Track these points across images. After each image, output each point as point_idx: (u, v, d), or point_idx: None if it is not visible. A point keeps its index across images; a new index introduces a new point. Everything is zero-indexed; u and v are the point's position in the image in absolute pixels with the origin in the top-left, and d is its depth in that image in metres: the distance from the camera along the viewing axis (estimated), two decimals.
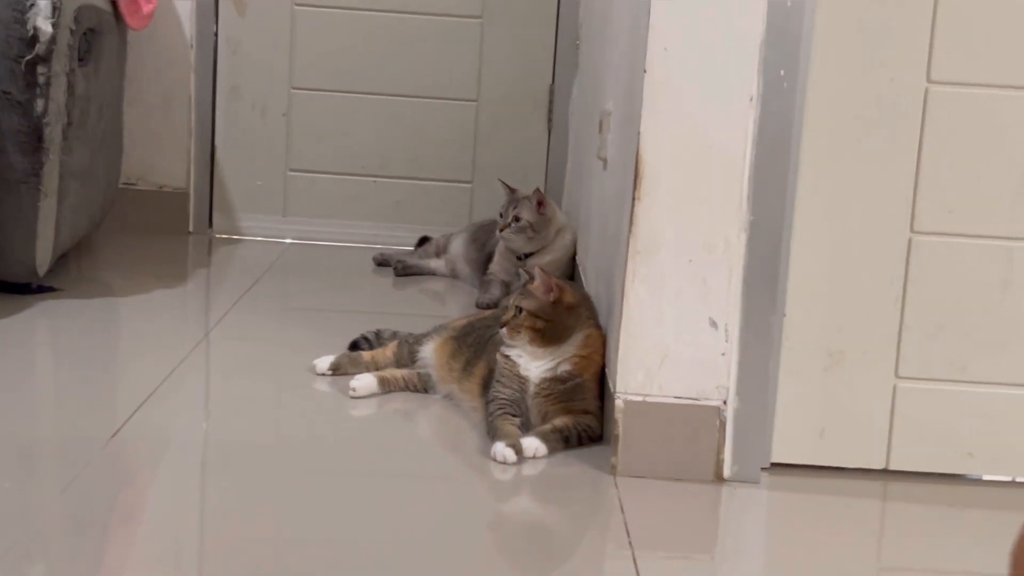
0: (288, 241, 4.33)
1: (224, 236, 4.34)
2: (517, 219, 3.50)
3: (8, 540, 1.81)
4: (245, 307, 3.34)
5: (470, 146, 4.36)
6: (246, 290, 3.52)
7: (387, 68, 4.31)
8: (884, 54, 2.17)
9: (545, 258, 3.53)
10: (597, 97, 3.17)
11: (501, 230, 3.51)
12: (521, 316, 2.38)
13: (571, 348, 2.37)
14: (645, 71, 2.14)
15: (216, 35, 4.25)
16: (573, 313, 2.39)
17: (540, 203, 3.51)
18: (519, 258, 3.55)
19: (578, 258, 3.49)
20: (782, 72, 2.13)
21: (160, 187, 4.27)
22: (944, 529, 2.14)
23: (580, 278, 3.25)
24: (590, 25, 3.76)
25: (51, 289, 3.28)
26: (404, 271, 3.91)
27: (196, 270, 3.99)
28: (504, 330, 2.39)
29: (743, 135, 2.14)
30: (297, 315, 3.47)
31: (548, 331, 2.37)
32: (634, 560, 1.88)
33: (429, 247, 4.02)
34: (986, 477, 2.31)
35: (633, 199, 2.16)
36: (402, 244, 4.19)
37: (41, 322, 3.08)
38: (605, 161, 2.72)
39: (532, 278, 2.43)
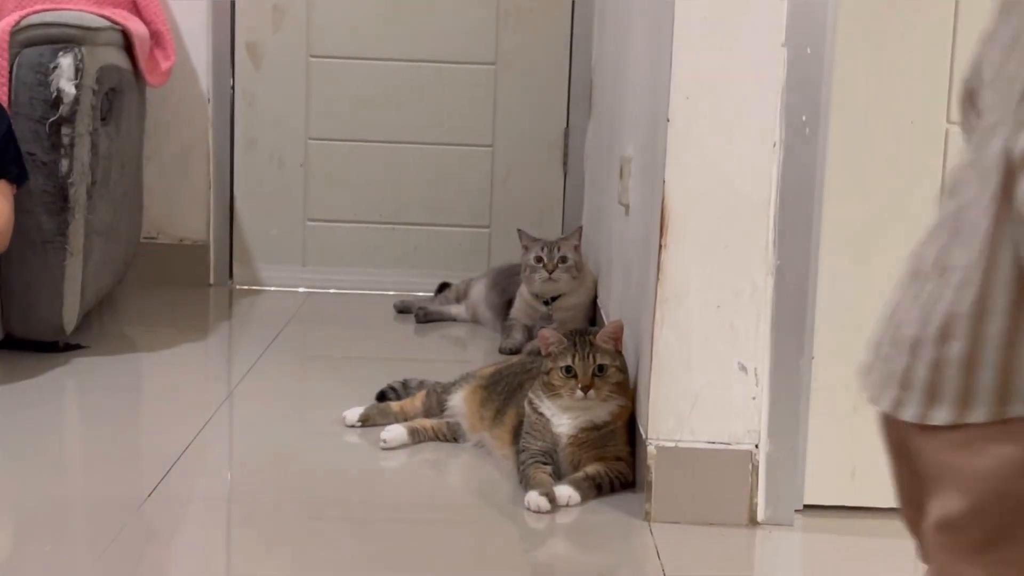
0: (308, 290, 4.35)
1: (244, 287, 4.37)
2: (564, 259, 3.50)
3: None
4: (269, 359, 3.36)
5: (487, 191, 4.39)
6: (269, 342, 3.54)
7: (402, 116, 4.35)
8: (904, 97, 2.20)
9: (571, 301, 3.54)
10: (614, 141, 3.19)
11: (551, 272, 3.49)
12: (607, 373, 2.35)
13: (620, 398, 2.38)
14: (668, 120, 2.16)
15: (233, 89, 4.30)
16: (622, 359, 2.41)
17: (578, 243, 3.52)
18: (546, 303, 3.55)
19: (599, 301, 3.51)
20: (804, 117, 2.15)
21: (180, 240, 4.31)
22: None
23: (603, 321, 3.27)
24: (603, 69, 3.80)
25: (78, 347, 3.31)
26: (425, 318, 3.92)
27: (218, 322, 4.02)
28: (591, 392, 2.32)
29: (767, 180, 2.17)
30: (321, 365, 3.49)
31: (624, 383, 2.38)
32: None
33: (449, 293, 4.04)
34: None
35: (660, 246, 2.19)
36: (422, 290, 4.21)
37: (69, 381, 3.10)
38: (627, 207, 2.74)
39: (586, 330, 2.41)
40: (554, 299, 3.53)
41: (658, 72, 2.29)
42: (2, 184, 3.00)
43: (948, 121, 2.21)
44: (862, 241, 2.23)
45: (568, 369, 2.35)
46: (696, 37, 2.14)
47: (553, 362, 2.37)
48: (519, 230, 3.63)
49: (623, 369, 2.38)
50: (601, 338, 2.38)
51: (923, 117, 2.20)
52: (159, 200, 4.23)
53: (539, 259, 3.50)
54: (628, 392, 2.40)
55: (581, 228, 3.59)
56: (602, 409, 2.36)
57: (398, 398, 2.83)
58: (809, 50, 2.14)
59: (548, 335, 2.41)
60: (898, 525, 2.33)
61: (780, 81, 2.15)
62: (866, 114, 2.20)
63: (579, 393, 2.33)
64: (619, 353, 2.39)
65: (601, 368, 2.35)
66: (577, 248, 3.52)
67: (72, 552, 2.07)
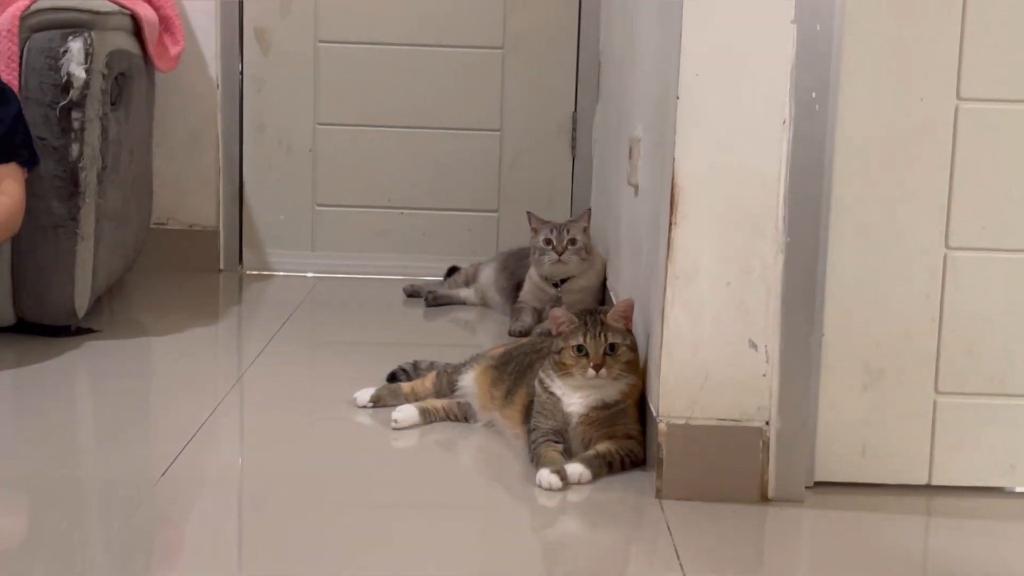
0: (317, 275, 4.36)
1: (254, 272, 4.38)
2: (573, 241, 3.50)
3: None
4: (279, 343, 3.37)
5: (495, 175, 4.40)
6: (279, 326, 3.55)
7: (410, 101, 4.35)
8: (913, 74, 2.20)
9: (579, 283, 3.55)
10: (622, 123, 3.20)
11: (560, 254, 3.49)
12: (618, 352, 2.35)
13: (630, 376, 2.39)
14: (678, 98, 2.17)
15: (241, 74, 4.31)
16: (633, 337, 2.41)
17: (587, 225, 3.53)
18: (555, 285, 3.56)
19: (609, 283, 3.51)
20: (813, 95, 2.15)
21: (190, 226, 4.32)
22: (990, 543, 2.15)
23: (612, 302, 3.27)
24: (610, 52, 3.80)
25: (90, 331, 3.33)
26: (435, 301, 3.93)
27: (228, 307, 4.03)
28: (603, 371, 2.33)
29: (777, 158, 2.17)
30: (331, 349, 3.50)
31: (634, 361, 2.38)
32: None
33: (458, 277, 4.04)
34: None
35: (670, 224, 2.19)
36: (431, 275, 4.22)
37: (81, 364, 3.11)
38: (636, 187, 2.74)
39: (597, 310, 2.41)
40: (563, 281, 3.54)
41: (667, 50, 2.29)
42: (13, 168, 3.01)
43: (958, 97, 2.21)
44: (872, 218, 2.23)
45: (580, 348, 2.35)
46: (705, 14, 2.14)
47: (564, 341, 2.38)
48: (528, 212, 3.63)
49: (633, 347, 2.39)
50: (612, 317, 2.38)
51: (933, 94, 2.21)
52: (169, 186, 4.24)
53: (548, 241, 3.51)
54: (638, 370, 2.41)
55: (590, 210, 3.60)
56: (613, 388, 2.37)
57: (409, 379, 2.84)
58: (818, 27, 2.14)
59: (559, 314, 2.41)
60: (908, 502, 2.35)
61: (789, 58, 2.15)
62: (876, 91, 2.20)
63: (591, 372, 2.33)
64: (629, 332, 2.40)
65: (612, 347, 2.35)
66: (586, 230, 3.52)
67: (87, 530, 2.09)
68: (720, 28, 2.14)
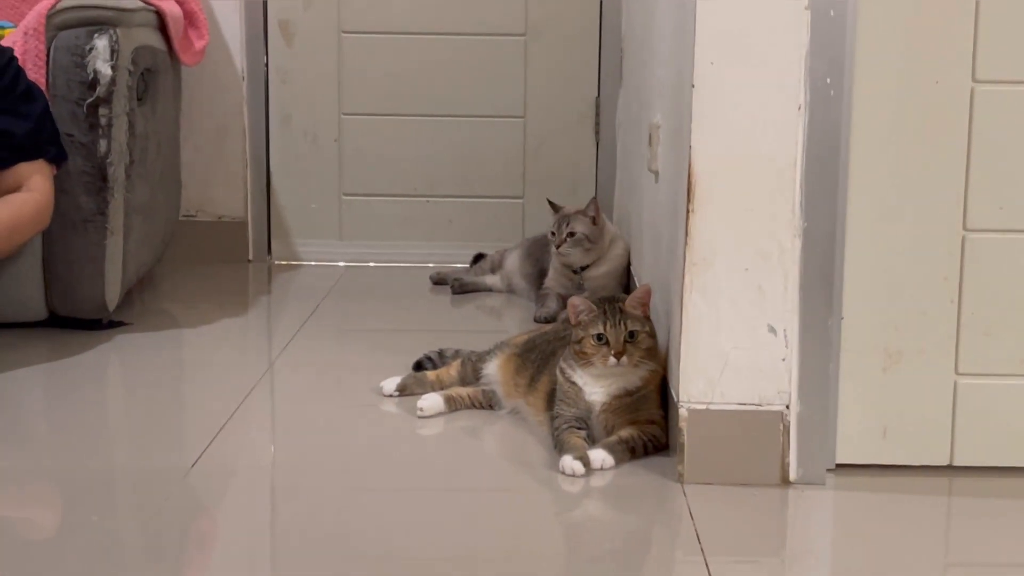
0: (346, 264, 4.40)
1: (283, 262, 4.43)
2: (572, 234, 3.54)
3: (105, 571, 1.88)
4: (308, 332, 3.41)
5: (519, 162, 4.42)
6: (308, 315, 3.59)
7: (434, 89, 4.38)
8: (928, 57, 2.21)
9: (601, 269, 3.57)
10: (643, 109, 3.21)
11: (558, 247, 3.55)
12: (638, 339, 2.36)
13: (650, 362, 2.40)
14: (693, 85, 2.18)
15: (267, 66, 4.34)
16: (651, 323, 2.43)
17: (595, 214, 3.55)
18: (575, 272, 3.59)
19: (632, 268, 3.53)
20: (828, 80, 2.17)
21: (219, 218, 4.36)
22: (1012, 522, 2.16)
23: (636, 287, 3.29)
24: (632, 37, 3.81)
25: (121, 324, 3.37)
26: (461, 288, 3.97)
27: (258, 297, 4.07)
28: (624, 359, 2.34)
29: (793, 143, 2.18)
30: (359, 337, 3.53)
31: (654, 347, 2.40)
32: (706, 565, 1.92)
33: (484, 264, 4.07)
34: None
35: (687, 211, 2.21)
36: (457, 262, 4.25)
37: (113, 356, 3.16)
38: (656, 174, 2.76)
39: (615, 298, 2.43)
40: (584, 268, 3.57)
41: (683, 38, 2.31)
42: (41, 164, 3.06)
43: (973, 80, 2.22)
44: (888, 201, 2.24)
45: (600, 337, 2.37)
46: (720, 2, 2.16)
47: (584, 331, 2.40)
48: (548, 200, 3.66)
49: (652, 334, 2.41)
50: (630, 304, 2.40)
51: (948, 77, 2.21)
52: (197, 178, 4.29)
53: (552, 233, 3.58)
54: (659, 356, 2.43)
55: (595, 199, 3.61)
56: (634, 375, 2.39)
57: (434, 368, 2.87)
58: (832, 12, 2.15)
59: (578, 303, 2.43)
60: (930, 482, 2.37)
61: (804, 44, 2.16)
62: (890, 75, 2.21)
63: (612, 360, 2.35)
64: (647, 318, 2.41)
65: (632, 334, 2.37)
66: (594, 220, 3.54)
67: (119, 521, 2.13)
68: (734, 15, 2.16)
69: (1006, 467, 2.32)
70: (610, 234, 3.63)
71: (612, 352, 2.35)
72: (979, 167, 2.23)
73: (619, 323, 2.37)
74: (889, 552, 2.02)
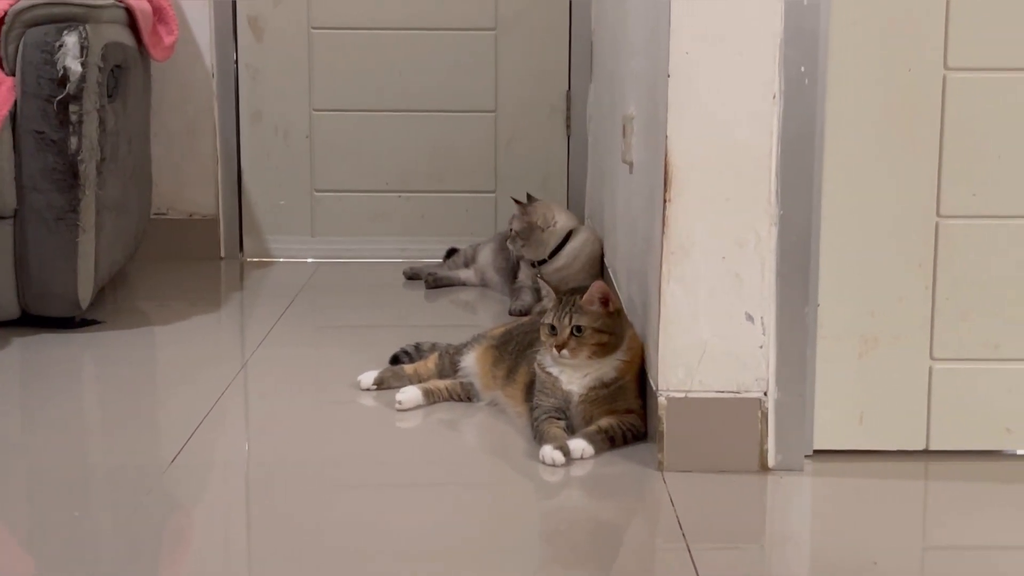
0: (318, 260, 4.39)
1: (255, 259, 4.41)
2: (511, 231, 3.63)
3: (86, 568, 1.87)
4: (282, 328, 3.40)
5: (491, 156, 4.42)
6: (282, 311, 3.58)
7: (405, 85, 4.37)
8: (901, 45, 2.22)
9: (558, 263, 3.60)
10: (616, 101, 3.22)
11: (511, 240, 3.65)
12: (585, 335, 2.37)
13: (619, 353, 2.41)
14: (669, 75, 2.19)
15: (236, 62, 4.33)
16: (622, 318, 2.44)
17: (522, 211, 3.63)
18: (532, 265, 3.63)
19: (606, 260, 3.54)
20: (802, 68, 2.18)
21: (190, 215, 4.35)
22: (987, 505, 2.18)
23: (611, 280, 3.31)
24: (602, 31, 3.82)
25: (94, 322, 3.36)
26: (435, 283, 3.97)
27: (230, 294, 4.06)
28: (565, 351, 2.36)
29: (768, 132, 2.20)
30: (334, 332, 3.53)
31: (610, 343, 2.41)
32: (688, 551, 1.93)
33: (458, 258, 4.07)
34: (1022, 452, 2.35)
35: (664, 201, 2.22)
36: (430, 257, 4.25)
37: (87, 355, 3.15)
38: (631, 165, 2.77)
39: (579, 289, 2.44)
40: (542, 262, 3.60)
41: (657, 28, 2.32)
42: None
43: (946, 68, 2.23)
44: (863, 189, 2.26)
45: (552, 328, 2.40)
46: None
47: (543, 318, 2.43)
48: (513, 198, 3.69)
49: (607, 329, 2.39)
50: (586, 300, 2.40)
51: (921, 64, 2.23)
52: (168, 175, 4.27)
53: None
54: (635, 347, 2.44)
55: (528, 195, 3.71)
56: (607, 366, 2.40)
57: (411, 361, 2.87)
58: (806, 1, 2.17)
59: (545, 288, 2.50)
60: (906, 467, 2.39)
61: (778, 33, 2.17)
62: (864, 63, 2.23)
63: (555, 351, 2.37)
64: (609, 314, 2.40)
65: (579, 328, 2.37)
66: (526, 219, 3.59)
67: (98, 518, 2.12)
68: (709, 5, 2.17)
69: (981, 451, 2.35)
70: (559, 227, 3.63)
71: (555, 343, 2.37)
72: (952, 154, 2.25)
73: (566, 316, 2.38)
74: (867, 536, 2.04)
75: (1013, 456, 2.35)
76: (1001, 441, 2.34)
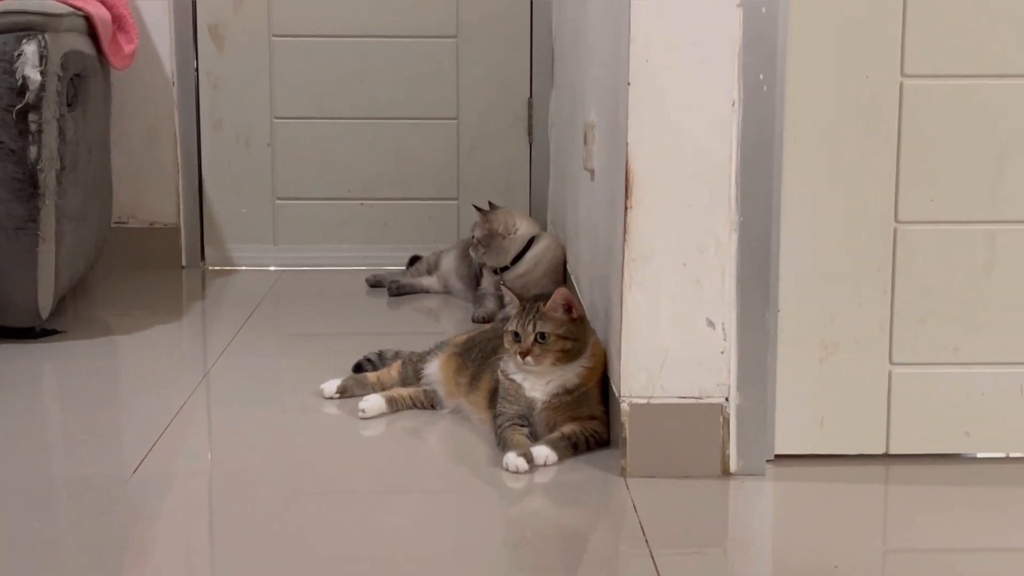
0: (280, 269, 4.38)
1: (217, 268, 4.40)
2: (473, 237, 3.64)
3: None
4: (245, 337, 3.39)
5: (453, 163, 4.43)
6: (244, 320, 3.57)
7: (367, 92, 4.37)
8: (858, 52, 2.25)
9: (520, 270, 3.61)
10: (577, 109, 3.23)
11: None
12: (549, 341, 2.37)
13: (582, 360, 2.42)
14: (629, 83, 2.20)
15: (197, 71, 4.31)
16: (586, 324, 2.44)
17: (483, 218, 3.64)
18: (495, 272, 3.64)
19: (569, 267, 3.55)
20: (761, 76, 2.20)
21: (151, 224, 4.33)
22: (946, 508, 2.20)
23: (574, 287, 3.32)
24: (563, 38, 3.83)
25: (54, 332, 3.34)
26: (398, 291, 3.97)
27: (192, 304, 4.04)
28: (528, 358, 2.36)
29: (728, 139, 2.21)
30: (296, 341, 3.52)
31: (574, 349, 2.41)
32: (651, 557, 1.94)
33: (421, 265, 4.08)
34: (981, 455, 2.38)
35: (625, 208, 2.23)
36: (393, 264, 4.25)
37: (47, 365, 3.13)
38: (592, 172, 2.78)
39: (542, 296, 2.44)
40: (504, 269, 3.61)
41: (618, 36, 2.33)
42: None
43: (902, 75, 2.26)
44: (822, 195, 2.28)
45: (516, 335, 2.40)
46: (654, 1, 2.18)
47: (507, 325, 2.43)
48: (475, 206, 3.70)
49: (571, 336, 2.39)
50: (549, 307, 2.40)
51: (878, 71, 2.25)
52: (128, 184, 4.25)
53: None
54: (598, 354, 2.44)
55: (489, 203, 3.72)
56: (570, 373, 2.41)
57: (374, 369, 2.87)
58: (764, 9, 2.18)
59: (509, 296, 2.50)
60: (866, 471, 2.40)
61: (737, 40, 2.19)
62: (822, 70, 2.25)
63: (518, 359, 2.38)
64: (572, 321, 2.40)
65: (543, 335, 2.38)
66: (487, 226, 3.61)
67: (60, 529, 2.10)
68: (668, 13, 2.18)
69: (940, 454, 2.37)
70: (521, 234, 3.64)
71: (518, 351, 2.37)
72: (909, 160, 2.28)
73: (530, 323, 2.38)
74: (828, 540, 2.05)
75: (972, 459, 2.38)
76: (960, 445, 2.36)
